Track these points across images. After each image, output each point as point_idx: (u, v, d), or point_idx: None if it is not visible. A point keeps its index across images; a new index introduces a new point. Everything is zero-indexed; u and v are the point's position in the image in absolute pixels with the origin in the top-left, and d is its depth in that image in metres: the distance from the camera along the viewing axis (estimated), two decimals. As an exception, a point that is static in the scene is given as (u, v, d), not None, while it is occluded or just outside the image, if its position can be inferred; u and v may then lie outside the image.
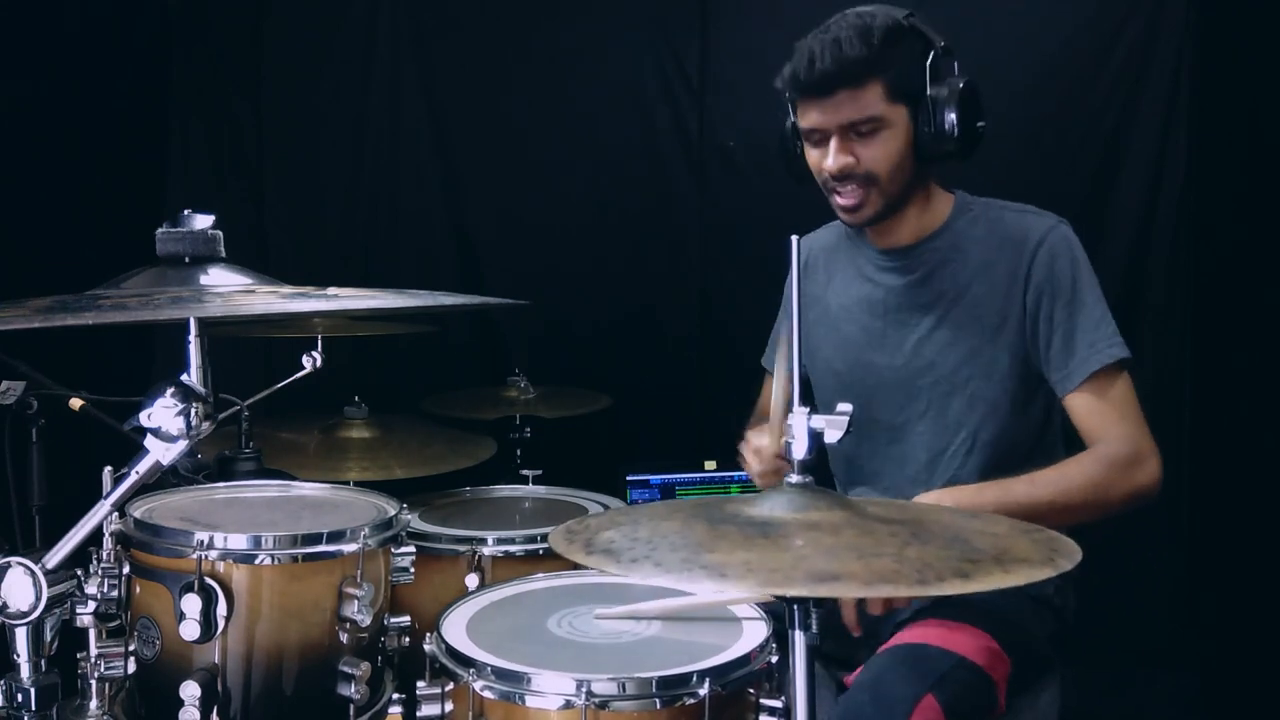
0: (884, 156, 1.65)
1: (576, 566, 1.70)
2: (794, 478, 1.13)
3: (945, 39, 1.67)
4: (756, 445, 1.73)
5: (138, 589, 1.40)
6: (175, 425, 1.25)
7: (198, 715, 1.30)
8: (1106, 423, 1.64)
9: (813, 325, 1.90)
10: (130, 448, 1.30)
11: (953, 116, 1.62)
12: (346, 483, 1.84)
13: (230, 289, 1.48)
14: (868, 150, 1.65)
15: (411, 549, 1.56)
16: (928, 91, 1.63)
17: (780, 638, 1.25)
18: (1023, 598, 1.70)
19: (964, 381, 1.73)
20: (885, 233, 1.79)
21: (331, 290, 1.45)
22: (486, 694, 1.28)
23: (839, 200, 1.71)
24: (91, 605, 1.36)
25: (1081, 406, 1.66)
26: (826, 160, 1.67)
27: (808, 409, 1.14)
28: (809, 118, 1.67)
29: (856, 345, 1.83)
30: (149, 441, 1.27)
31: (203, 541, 1.35)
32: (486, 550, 1.87)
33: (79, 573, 1.34)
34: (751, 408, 2.07)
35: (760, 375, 2.07)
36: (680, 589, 1.52)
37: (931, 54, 1.63)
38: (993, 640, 1.59)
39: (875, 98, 1.62)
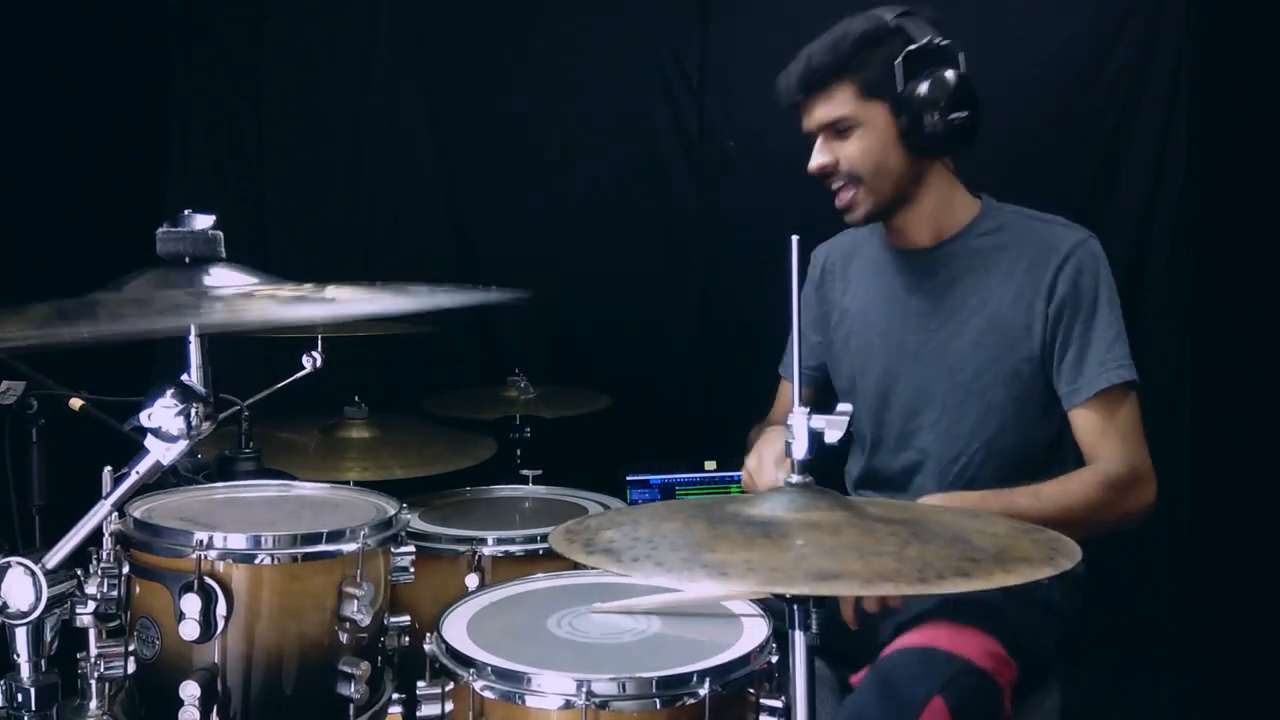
0: (861, 154, 1.70)
1: (576, 566, 1.71)
2: (794, 477, 1.13)
3: (940, 34, 1.69)
4: (765, 478, 1.69)
5: (137, 589, 1.40)
6: (175, 425, 1.25)
7: (198, 715, 1.30)
8: (1108, 441, 1.66)
9: (832, 330, 1.90)
10: (130, 448, 1.30)
11: (929, 109, 1.65)
12: (346, 483, 1.84)
13: (229, 291, 1.48)
14: (845, 148, 1.71)
15: (411, 549, 1.56)
16: (898, 88, 1.66)
17: (780, 637, 1.25)
18: (1029, 603, 1.70)
19: (982, 390, 1.73)
20: (902, 233, 1.79)
21: (329, 292, 1.45)
22: (487, 694, 1.28)
23: (836, 199, 1.76)
24: (91, 605, 1.36)
25: (1086, 422, 1.68)
26: (811, 161, 1.74)
27: (808, 408, 1.14)
28: (801, 123, 1.75)
29: (875, 349, 1.83)
30: (149, 441, 1.27)
31: (202, 541, 1.35)
32: (486, 550, 1.87)
33: (79, 573, 1.34)
34: (751, 408, 2.07)
35: (771, 381, 2.07)
36: (679, 588, 1.53)
37: (905, 51, 1.66)
38: (999, 645, 1.59)
39: (846, 98, 1.69)
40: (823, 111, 1.71)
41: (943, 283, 1.77)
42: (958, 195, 1.78)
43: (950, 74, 1.66)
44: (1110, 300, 1.70)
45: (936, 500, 1.58)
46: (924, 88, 1.65)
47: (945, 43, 1.69)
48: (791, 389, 1.97)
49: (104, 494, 1.30)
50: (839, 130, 1.70)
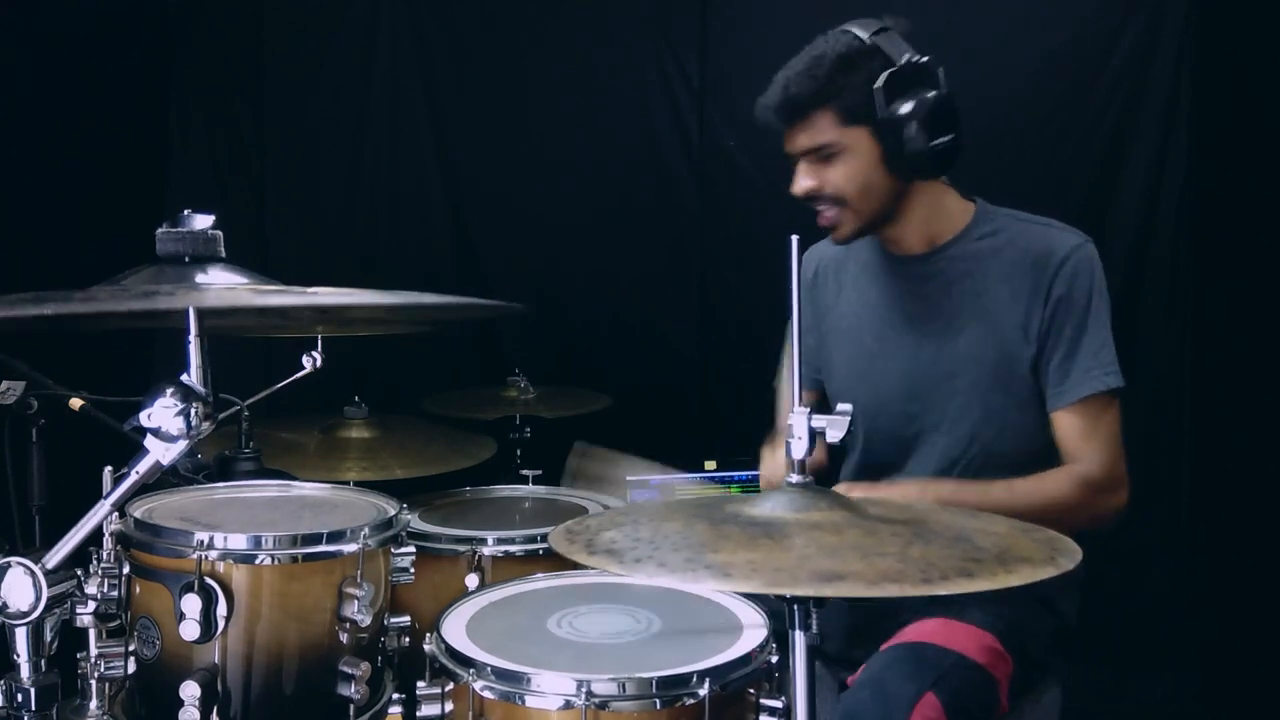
0: (846, 178, 1.69)
1: (576, 566, 1.71)
2: (794, 477, 1.13)
3: (917, 51, 1.67)
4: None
5: (138, 589, 1.40)
6: (175, 425, 1.25)
7: (198, 715, 1.30)
8: (1087, 445, 1.67)
9: (826, 335, 1.90)
10: (130, 448, 1.30)
11: (912, 133, 1.63)
12: (346, 483, 1.84)
13: (220, 286, 1.48)
14: (830, 174, 1.69)
15: (411, 549, 1.56)
16: (879, 114, 1.64)
17: (780, 638, 1.25)
18: (1026, 599, 1.70)
19: (982, 394, 1.73)
20: (894, 241, 1.79)
21: (312, 290, 1.44)
22: (486, 694, 1.28)
23: (819, 219, 1.75)
24: (91, 605, 1.36)
25: (1068, 425, 1.68)
26: (795, 184, 1.73)
27: (808, 409, 1.14)
28: (784, 145, 1.73)
29: (871, 354, 1.83)
30: (149, 441, 1.27)
31: (203, 541, 1.35)
32: (486, 550, 1.87)
33: (79, 573, 1.34)
34: (751, 408, 2.07)
35: (765, 396, 2.07)
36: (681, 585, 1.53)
37: (885, 75, 1.64)
38: (994, 640, 1.59)
39: (826, 125, 1.67)
40: (804, 139, 1.69)
41: (939, 288, 1.77)
42: (949, 201, 1.78)
43: (931, 96, 1.63)
44: (1101, 306, 1.70)
45: (914, 489, 1.59)
46: (905, 111, 1.63)
47: (923, 60, 1.66)
48: (793, 393, 2.00)
49: (104, 494, 1.30)
50: (822, 156, 1.69)
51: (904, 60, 1.65)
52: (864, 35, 1.66)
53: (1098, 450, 1.66)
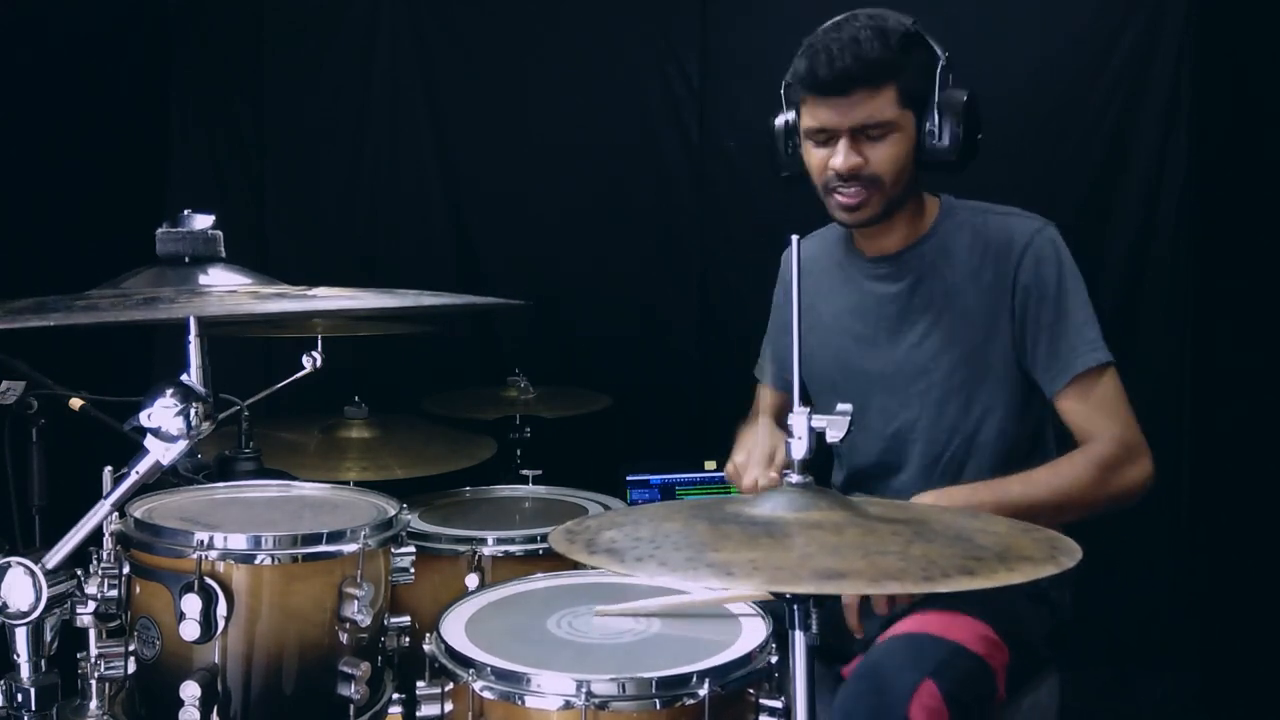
0: (891, 159, 1.66)
1: (576, 566, 1.71)
2: (795, 477, 1.13)
3: (945, 47, 1.67)
4: (750, 476, 1.74)
5: (138, 589, 1.40)
6: (175, 425, 1.25)
7: (198, 715, 1.30)
8: (1095, 423, 1.66)
9: (805, 334, 1.88)
10: (130, 448, 1.30)
11: (958, 126, 1.63)
12: (346, 483, 1.84)
13: (223, 289, 1.48)
14: (876, 152, 1.66)
15: (411, 549, 1.56)
16: (935, 99, 1.64)
17: (780, 638, 1.25)
18: (1019, 594, 1.70)
19: (958, 386, 1.73)
20: (875, 239, 1.80)
21: (313, 290, 1.44)
22: (486, 694, 1.28)
23: (840, 199, 1.70)
24: (91, 605, 1.36)
25: (1070, 407, 1.68)
26: (835, 160, 1.66)
27: (808, 409, 1.14)
28: (819, 116, 1.66)
29: (849, 353, 1.83)
30: (149, 441, 1.27)
31: (203, 541, 1.35)
32: (486, 550, 1.87)
33: (79, 573, 1.34)
34: (748, 410, 2.07)
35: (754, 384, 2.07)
36: (681, 588, 1.53)
37: (940, 62, 1.64)
38: (990, 629, 1.59)
39: (889, 101, 1.63)
40: (866, 111, 1.63)
41: (911, 284, 1.77)
42: (924, 198, 1.79)
43: (973, 93, 1.64)
44: (1074, 285, 1.69)
45: (929, 499, 1.58)
46: (955, 103, 1.63)
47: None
48: (772, 393, 2.01)
49: (104, 494, 1.30)
50: (873, 134, 1.64)
51: (945, 54, 1.65)
52: (907, 22, 1.65)
53: (1105, 424, 1.65)
